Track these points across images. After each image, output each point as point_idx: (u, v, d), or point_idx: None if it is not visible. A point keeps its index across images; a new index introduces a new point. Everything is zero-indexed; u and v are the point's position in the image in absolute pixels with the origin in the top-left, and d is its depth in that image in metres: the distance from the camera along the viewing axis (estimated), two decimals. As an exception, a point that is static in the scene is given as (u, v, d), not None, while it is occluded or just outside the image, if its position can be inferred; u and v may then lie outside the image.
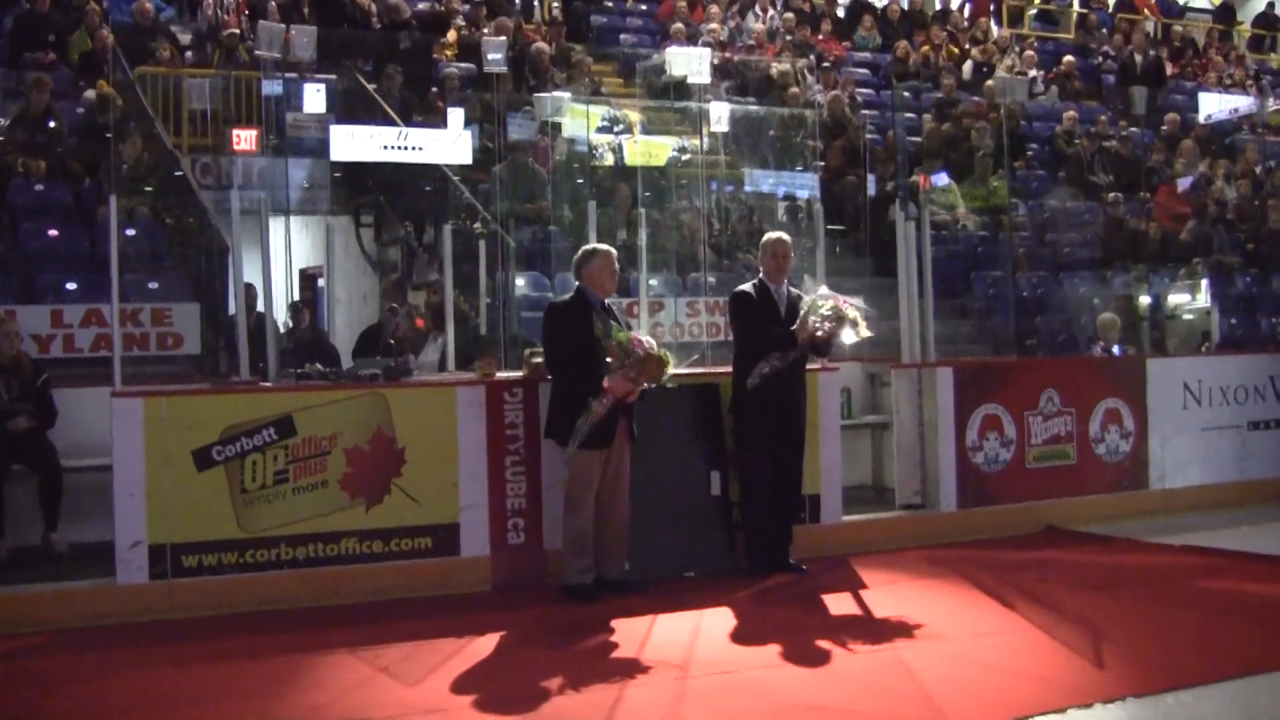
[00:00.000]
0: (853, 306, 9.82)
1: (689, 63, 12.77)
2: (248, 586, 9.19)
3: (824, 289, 10.04)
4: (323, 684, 7.34)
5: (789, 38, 21.25)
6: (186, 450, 9.09)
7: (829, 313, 9.71)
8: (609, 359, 9.06)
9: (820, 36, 22.14)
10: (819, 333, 9.76)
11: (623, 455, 9.44)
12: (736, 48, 20.30)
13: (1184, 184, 19.77)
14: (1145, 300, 16.68)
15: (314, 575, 9.36)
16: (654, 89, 16.02)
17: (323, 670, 7.61)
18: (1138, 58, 23.84)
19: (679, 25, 19.84)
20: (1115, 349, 13.94)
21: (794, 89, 17.87)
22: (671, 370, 9.21)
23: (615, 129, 14.97)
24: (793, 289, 10.16)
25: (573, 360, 9.25)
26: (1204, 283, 17.38)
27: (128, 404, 9.06)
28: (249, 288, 12.14)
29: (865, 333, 9.88)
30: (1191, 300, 17.27)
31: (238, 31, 15.99)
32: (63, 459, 10.36)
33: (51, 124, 14.41)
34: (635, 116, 15.13)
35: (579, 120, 15.00)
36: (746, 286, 10.21)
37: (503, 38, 14.25)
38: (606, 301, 9.56)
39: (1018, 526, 11.82)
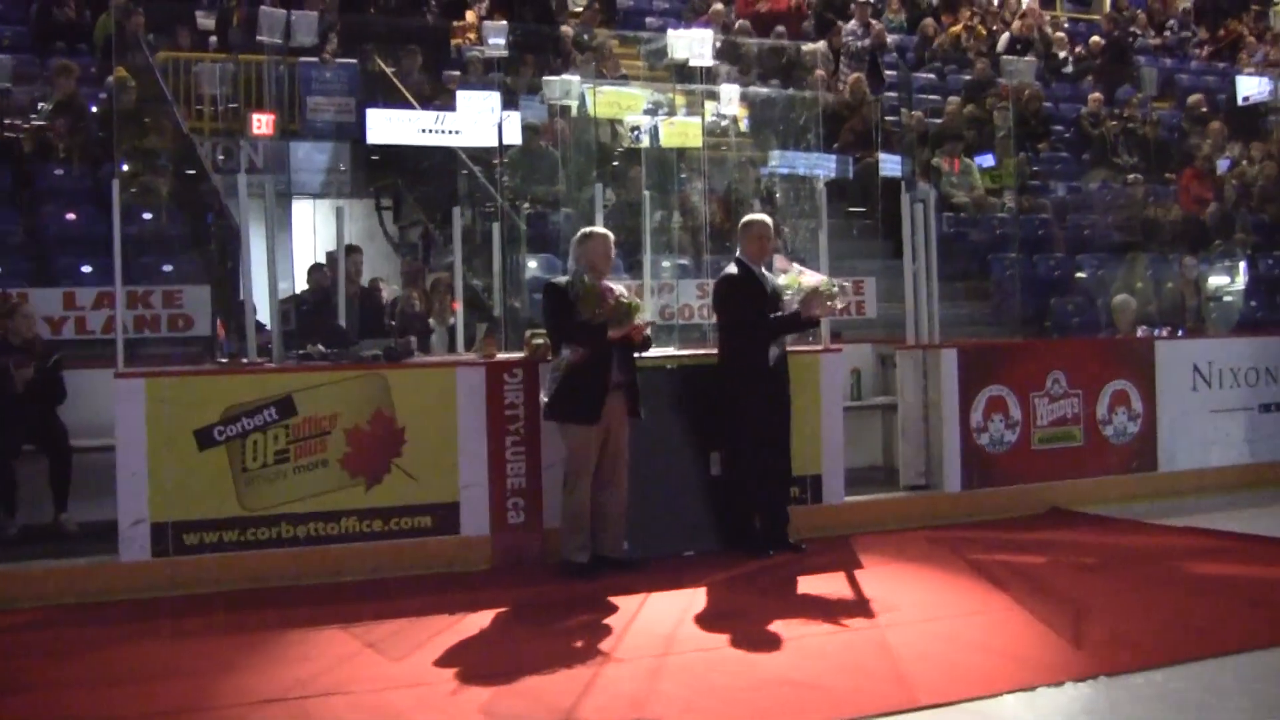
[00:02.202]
0: (830, 281, 9.96)
1: (691, 45, 12.81)
2: (249, 564, 9.37)
3: (796, 265, 10.14)
4: (311, 658, 7.48)
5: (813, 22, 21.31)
6: (188, 430, 9.27)
7: (822, 287, 9.83)
8: (581, 309, 9.20)
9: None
10: (816, 310, 9.91)
11: (622, 434, 9.55)
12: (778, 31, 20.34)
13: (1222, 166, 19.71)
14: (1170, 283, 16.61)
15: (314, 553, 9.51)
16: (675, 71, 16.10)
17: (312, 645, 7.75)
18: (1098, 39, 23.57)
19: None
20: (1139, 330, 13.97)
21: (819, 71, 17.92)
22: (642, 317, 9.35)
23: (659, 111, 15.04)
24: (765, 270, 10.23)
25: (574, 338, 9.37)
26: (1242, 265, 17.35)
27: (130, 384, 9.24)
28: (321, 268, 12.39)
29: (838, 304, 10.05)
30: (1231, 283, 17.23)
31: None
32: (74, 439, 10.53)
33: (94, 109, 14.63)
34: (680, 99, 15.21)
35: (608, 103, 15.10)
36: (731, 269, 10.26)
37: (503, 22, 14.32)
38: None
39: (1023, 508, 11.87)
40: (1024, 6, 24.75)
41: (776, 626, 8.03)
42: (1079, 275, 17.04)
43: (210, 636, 8.04)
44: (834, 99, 17.86)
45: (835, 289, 9.92)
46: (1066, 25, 25.18)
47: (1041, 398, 12.17)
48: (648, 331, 9.57)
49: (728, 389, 10.15)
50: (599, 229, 9.87)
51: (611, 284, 9.47)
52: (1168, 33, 26.20)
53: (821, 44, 19.53)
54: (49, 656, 7.69)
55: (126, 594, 9.04)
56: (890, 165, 16.00)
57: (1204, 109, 21.14)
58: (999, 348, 12.95)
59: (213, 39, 16.52)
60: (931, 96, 19.77)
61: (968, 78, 20.36)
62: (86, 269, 12.58)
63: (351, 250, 12.12)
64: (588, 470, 9.44)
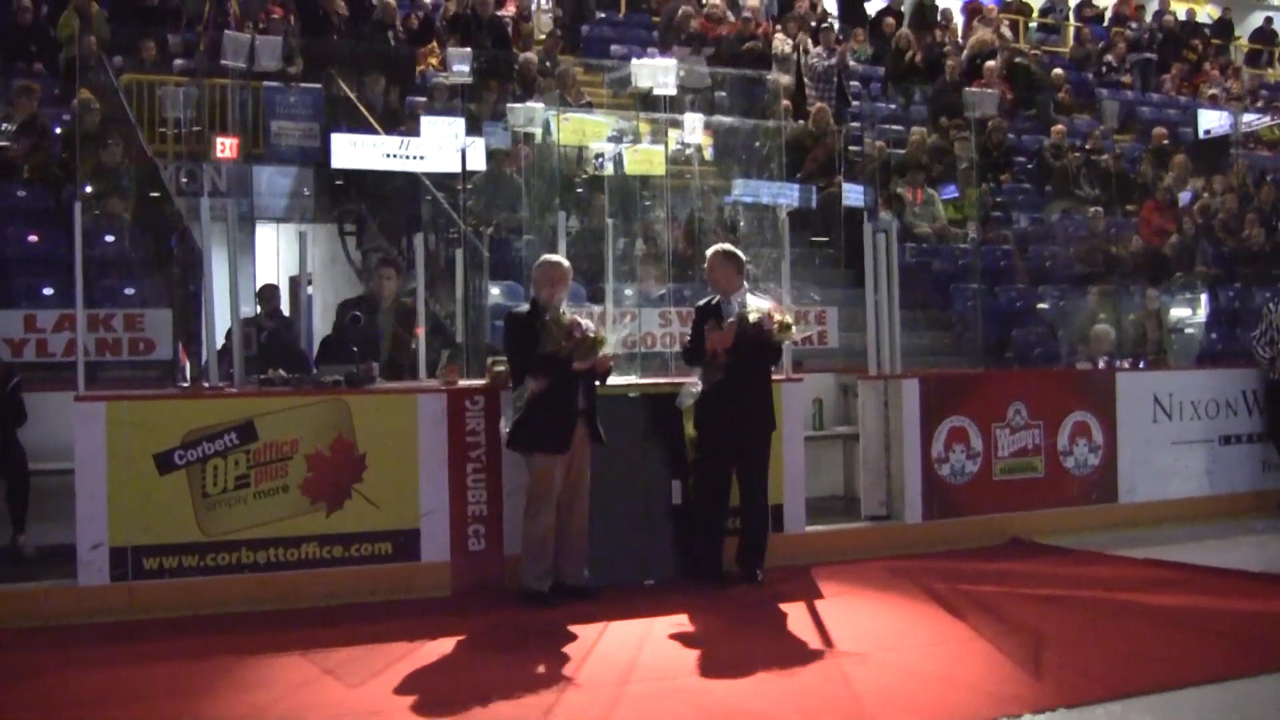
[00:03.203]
0: (757, 312, 9.91)
1: (654, 74, 12.83)
2: (208, 589, 9.30)
3: (750, 297, 10.15)
4: (268, 684, 7.46)
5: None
6: (148, 454, 9.22)
7: (732, 319, 9.86)
8: (548, 341, 9.19)
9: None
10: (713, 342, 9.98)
11: (583, 462, 9.55)
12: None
13: (1184, 198, 19.85)
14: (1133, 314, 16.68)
15: (274, 579, 9.47)
16: (640, 99, 16.18)
17: (271, 671, 7.73)
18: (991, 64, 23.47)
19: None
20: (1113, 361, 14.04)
21: (784, 101, 17.99)
22: (606, 349, 9.33)
23: (623, 139, 15.10)
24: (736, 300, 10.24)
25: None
26: (1203, 297, 17.48)
27: (90, 408, 9.19)
28: (273, 289, 12.43)
29: (793, 335, 10.02)
30: (1193, 315, 17.35)
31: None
32: (34, 462, 10.50)
33: (58, 130, 14.59)
34: (645, 127, 15.26)
35: (572, 130, 15.15)
36: (704, 300, 10.38)
37: (467, 49, 14.36)
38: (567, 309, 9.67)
39: (984, 538, 11.89)
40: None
41: (735, 656, 8.04)
42: (1040, 306, 17.13)
43: (168, 662, 7.97)
44: (798, 128, 17.93)
45: (754, 317, 9.91)
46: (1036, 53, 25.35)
47: (1003, 428, 12.22)
48: (611, 363, 9.58)
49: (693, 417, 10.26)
50: (550, 256, 9.88)
51: (577, 315, 9.44)
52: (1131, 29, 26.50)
53: (787, 40, 19.67)
54: (2, 680, 7.63)
55: (84, 618, 8.98)
56: (853, 195, 16.05)
57: (1166, 141, 21.31)
58: (960, 378, 12.99)
59: (178, 61, 16.48)
60: (895, 127, 19.85)
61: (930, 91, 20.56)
62: (48, 291, 12.53)
63: (385, 262, 12.09)
64: (551, 498, 9.43)
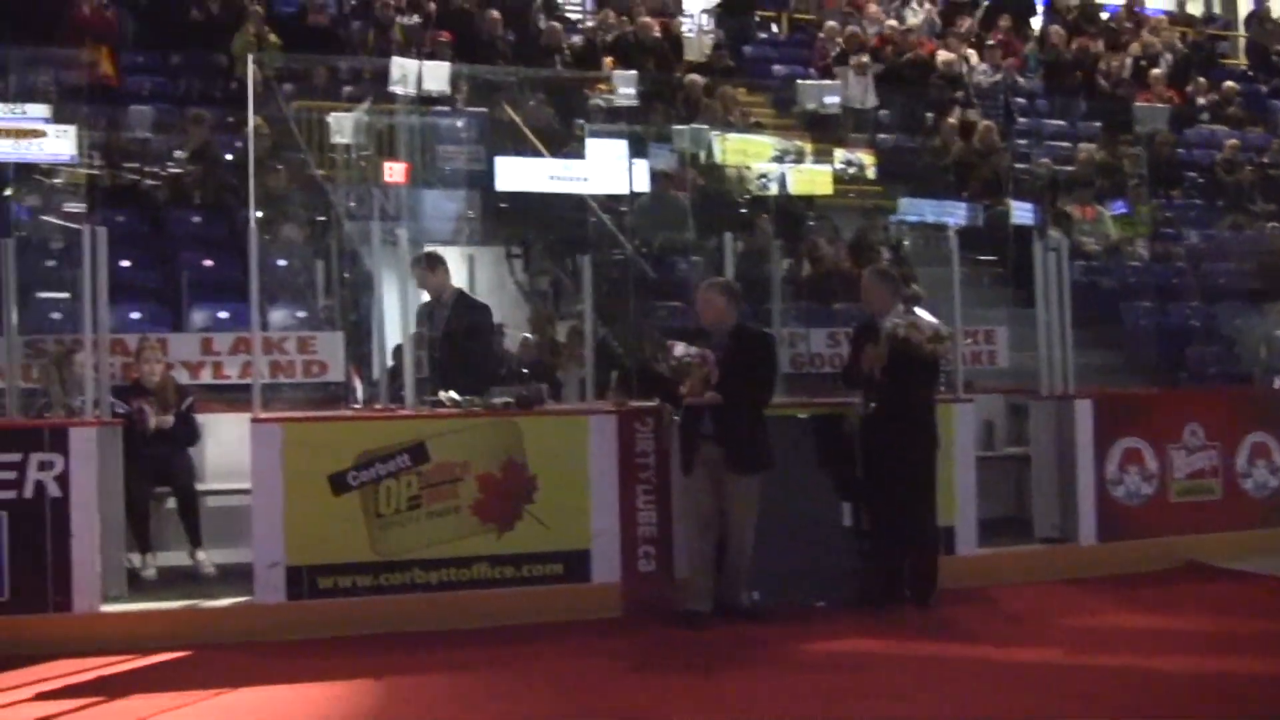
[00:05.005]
0: (908, 326, 9.79)
1: (820, 93, 12.82)
2: (380, 608, 9.38)
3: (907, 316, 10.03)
4: (438, 703, 7.56)
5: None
6: (323, 475, 9.33)
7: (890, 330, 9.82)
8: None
9: (999, 35, 22.08)
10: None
11: (729, 486, 9.52)
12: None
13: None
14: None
15: (445, 599, 9.53)
16: (807, 119, 16.13)
17: (439, 689, 7.88)
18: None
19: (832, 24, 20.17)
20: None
21: (950, 120, 17.89)
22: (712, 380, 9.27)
23: (786, 159, 15.13)
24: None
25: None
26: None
27: (267, 429, 9.33)
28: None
29: (943, 347, 10.01)
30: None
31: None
32: (213, 482, 10.73)
33: (229, 157, 14.89)
34: (808, 147, 15.27)
35: (736, 150, 15.18)
36: (862, 323, 10.42)
37: (633, 72, 14.44)
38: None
39: (1159, 561, 11.61)
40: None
41: (898, 682, 7.99)
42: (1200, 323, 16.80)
43: (331, 679, 8.12)
44: (964, 146, 17.78)
45: (902, 331, 9.78)
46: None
47: (1179, 449, 11.96)
48: (707, 394, 9.37)
49: None
50: (715, 279, 9.93)
51: (679, 342, 9.50)
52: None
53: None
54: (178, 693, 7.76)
55: (259, 635, 9.10)
56: (1022, 213, 15.87)
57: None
58: (1135, 398, 12.74)
59: (346, 88, 16.73)
60: (1062, 143, 19.61)
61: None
62: (223, 315, 12.75)
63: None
64: (695, 518, 9.58)
